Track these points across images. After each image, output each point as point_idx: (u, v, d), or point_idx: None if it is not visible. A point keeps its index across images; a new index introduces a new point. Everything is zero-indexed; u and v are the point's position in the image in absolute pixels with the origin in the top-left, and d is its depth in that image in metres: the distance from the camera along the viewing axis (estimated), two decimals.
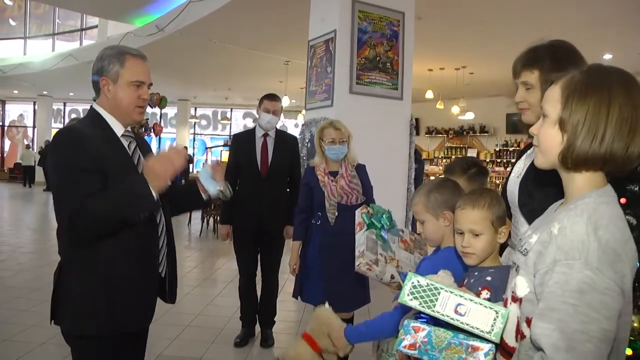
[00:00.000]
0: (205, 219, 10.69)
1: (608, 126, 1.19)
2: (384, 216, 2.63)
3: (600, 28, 9.03)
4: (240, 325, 4.51)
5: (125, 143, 2.14)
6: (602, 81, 1.23)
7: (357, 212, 2.65)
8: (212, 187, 2.28)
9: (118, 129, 2.13)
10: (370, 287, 3.57)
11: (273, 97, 4.44)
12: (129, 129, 2.20)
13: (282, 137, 4.54)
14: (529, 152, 1.89)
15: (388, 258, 2.55)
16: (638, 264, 2.72)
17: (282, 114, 4.56)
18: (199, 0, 9.47)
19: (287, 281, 5.59)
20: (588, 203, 1.23)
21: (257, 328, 4.52)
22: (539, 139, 1.32)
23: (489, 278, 1.57)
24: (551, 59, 1.75)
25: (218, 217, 10.55)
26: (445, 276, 1.54)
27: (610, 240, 1.17)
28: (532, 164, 1.53)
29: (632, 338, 2.59)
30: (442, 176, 2.23)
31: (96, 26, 17.23)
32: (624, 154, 1.21)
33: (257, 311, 4.48)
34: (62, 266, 2.06)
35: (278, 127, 4.56)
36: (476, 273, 1.63)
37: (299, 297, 3.70)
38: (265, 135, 4.40)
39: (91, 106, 2.17)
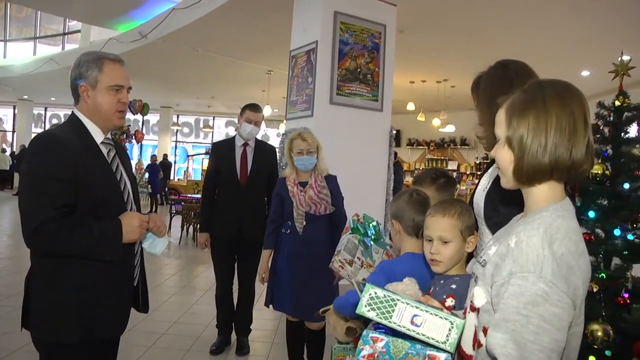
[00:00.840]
0: (185, 227, 10.64)
1: (549, 136, 1.26)
2: (371, 225, 2.70)
3: (578, 46, 9.21)
4: (217, 333, 4.52)
5: (104, 150, 2.14)
6: (537, 96, 1.30)
7: (349, 217, 2.76)
8: (159, 248, 2.27)
9: (98, 135, 2.13)
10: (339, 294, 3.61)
11: (255, 108, 4.46)
12: (109, 136, 2.19)
13: (262, 146, 4.56)
14: (494, 166, 1.95)
15: (365, 264, 2.62)
16: (604, 274, 2.80)
17: (264, 123, 4.59)
18: (183, 7, 9.48)
19: (264, 290, 5.59)
20: (544, 217, 1.27)
21: (234, 336, 4.52)
22: (497, 161, 1.39)
23: (454, 286, 1.61)
24: (477, 85, 1.95)
25: (197, 225, 10.52)
26: (409, 284, 1.58)
27: (565, 254, 1.21)
28: (496, 179, 1.59)
29: (595, 346, 2.67)
30: (412, 187, 2.29)
31: (79, 31, 17.12)
32: (569, 159, 1.27)
33: (233, 319, 4.49)
34: (32, 271, 2.05)
35: (260, 136, 4.59)
36: (442, 281, 1.67)
37: (270, 306, 3.73)
38: (245, 144, 4.43)
39: (72, 111, 2.17)
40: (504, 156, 1.34)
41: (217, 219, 4.37)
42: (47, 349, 2.03)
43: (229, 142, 4.55)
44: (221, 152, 4.50)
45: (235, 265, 4.46)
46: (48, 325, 1.99)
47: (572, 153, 1.26)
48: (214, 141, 6.03)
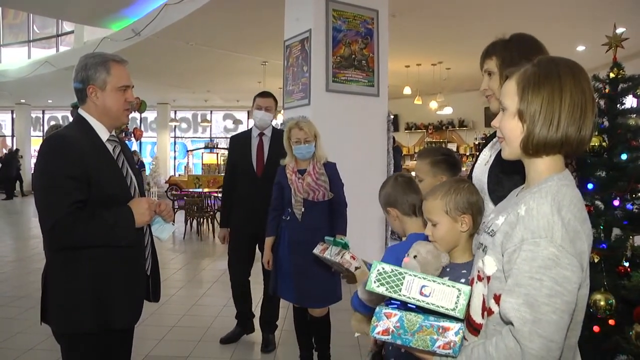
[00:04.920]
0: (189, 221, 10.69)
1: (562, 112, 1.30)
2: (344, 240, 2.67)
3: (573, 21, 9.20)
4: (228, 324, 4.55)
5: (110, 148, 2.23)
6: (552, 72, 1.33)
7: (315, 250, 2.67)
8: (166, 233, 2.36)
9: (103, 134, 2.22)
10: (342, 283, 3.63)
11: (264, 94, 4.42)
12: (113, 133, 2.28)
13: (279, 135, 4.26)
14: (494, 140, 1.97)
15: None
16: (607, 245, 2.83)
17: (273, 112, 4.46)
18: (175, 3, 9.48)
19: None
20: (551, 186, 1.33)
21: (258, 333, 4.48)
22: (502, 131, 1.42)
23: (462, 280, 1.57)
24: (506, 47, 1.90)
25: (202, 220, 10.56)
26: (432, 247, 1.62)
27: (571, 220, 1.27)
28: (499, 152, 1.61)
29: (599, 316, 2.71)
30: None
31: (72, 32, 17.06)
32: (577, 136, 1.32)
33: (260, 314, 4.44)
34: (49, 266, 2.13)
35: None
36: (448, 269, 1.66)
37: (274, 293, 3.77)
38: (261, 134, 4.37)
39: (77, 112, 2.25)
40: (513, 127, 1.37)
41: (235, 213, 4.34)
42: (67, 340, 2.11)
43: (245, 134, 4.51)
44: (237, 144, 4.47)
45: (253, 258, 4.41)
46: (66, 316, 2.06)
47: (581, 131, 1.31)
48: (212, 135, 5.97)
